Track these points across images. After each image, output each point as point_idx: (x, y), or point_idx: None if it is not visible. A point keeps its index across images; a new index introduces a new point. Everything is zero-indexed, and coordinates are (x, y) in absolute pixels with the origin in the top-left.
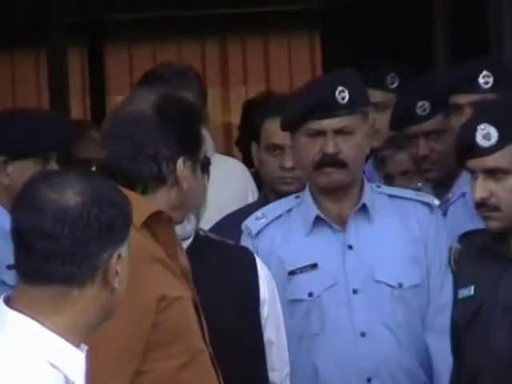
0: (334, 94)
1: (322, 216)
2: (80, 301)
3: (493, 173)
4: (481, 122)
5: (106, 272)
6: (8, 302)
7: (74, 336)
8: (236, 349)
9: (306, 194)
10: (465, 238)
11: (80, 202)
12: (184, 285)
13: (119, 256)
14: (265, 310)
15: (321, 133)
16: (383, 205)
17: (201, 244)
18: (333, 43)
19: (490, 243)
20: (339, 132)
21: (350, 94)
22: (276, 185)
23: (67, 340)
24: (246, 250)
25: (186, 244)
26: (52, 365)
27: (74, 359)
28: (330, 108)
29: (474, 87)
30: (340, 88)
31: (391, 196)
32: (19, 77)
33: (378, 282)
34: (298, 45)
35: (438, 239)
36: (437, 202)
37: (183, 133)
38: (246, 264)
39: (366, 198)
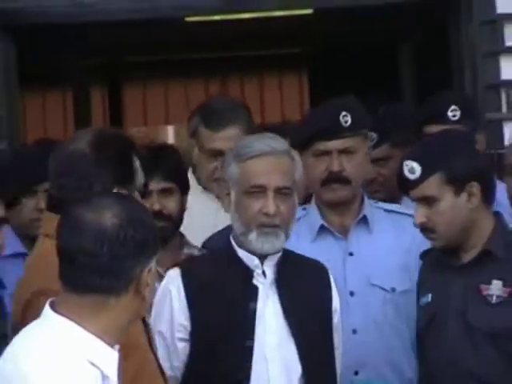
0: (338, 118)
1: (326, 225)
2: (116, 308)
3: (425, 200)
4: (406, 159)
5: (138, 284)
6: (53, 306)
7: (110, 337)
8: (328, 352)
9: (312, 206)
10: (425, 253)
11: (117, 223)
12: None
13: (149, 270)
14: (335, 319)
15: (326, 153)
16: (380, 218)
17: (284, 259)
18: (318, 82)
19: (441, 256)
20: (343, 152)
21: (352, 118)
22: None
23: (104, 341)
24: (319, 264)
25: (275, 259)
26: (91, 362)
27: (110, 357)
28: (335, 131)
29: (444, 119)
30: (343, 113)
31: (387, 210)
32: (49, 112)
33: (373, 285)
34: (288, 84)
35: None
36: None
37: (117, 166)
38: (321, 277)
39: (366, 211)
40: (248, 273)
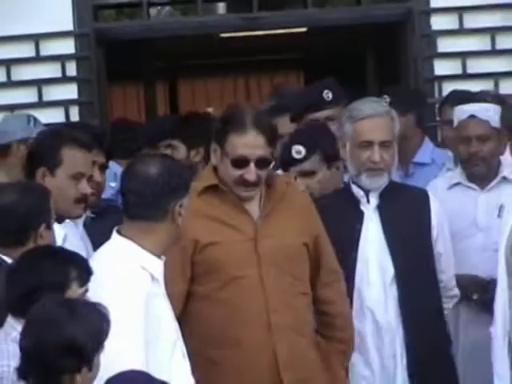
0: (322, 94)
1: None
2: (159, 231)
3: (306, 174)
4: (293, 144)
5: (173, 213)
6: (118, 231)
7: (157, 251)
8: (419, 258)
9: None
10: None
11: (157, 172)
12: (226, 233)
13: (181, 205)
14: (434, 233)
15: (316, 121)
16: None
17: (390, 188)
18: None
19: None
20: (328, 119)
21: (332, 93)
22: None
23: (152, 253)
24: (421, 190)
25: (379, 190)
26: (142, 267)
27: (157, 265)
28: (321, 104)
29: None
30: (326, 91)
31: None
32: (128, 101)
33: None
34: (291, 81)
35: None
36: None
37: None
38: (421, 201)
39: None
40: (357, 201)
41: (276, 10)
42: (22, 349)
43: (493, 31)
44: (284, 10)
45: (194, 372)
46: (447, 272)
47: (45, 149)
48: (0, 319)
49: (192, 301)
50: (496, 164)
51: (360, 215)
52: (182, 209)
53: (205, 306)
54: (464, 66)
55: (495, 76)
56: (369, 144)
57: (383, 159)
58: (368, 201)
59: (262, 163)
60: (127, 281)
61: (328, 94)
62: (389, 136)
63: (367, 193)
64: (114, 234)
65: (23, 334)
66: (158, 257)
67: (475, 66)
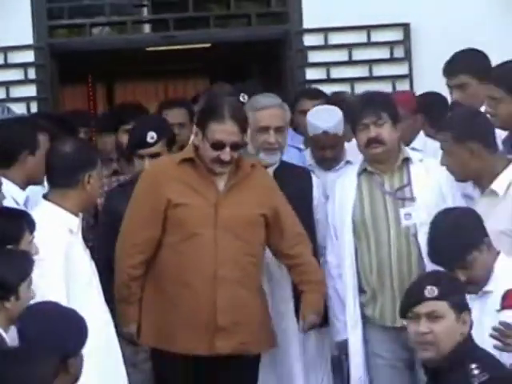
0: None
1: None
2: (73, 195)
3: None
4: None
5: (83, 182)
6: (44, 196)
7: (74, 210)
8: (305, 221)
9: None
10: None
11: (69, 151)
12: (194, 198)
13: (90, 175)
14: (315, 202)
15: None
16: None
17: (281, 168)
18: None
19: None
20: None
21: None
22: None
23: (71, 212)
24: (305, 168)
25: (274, 167)
26: (63, 224)
27: (74, 221)
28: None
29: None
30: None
31: None
32: (77, 100)
33: None
34: (199, 85)
35: None
36: None
37: None
38: (305, 177)
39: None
40: None
41: (187, 30)
42: None
43: (350, 46)
44: (193, 29)
45: (154, 303)
46: (322, 233)
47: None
48: None
49: (160, 249)
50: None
51: None
52: (91, 179)
53: (168, 254)
54: (328, 73)
55: (351, 81)
56: (266, 129)
57: (277, 141)
58: None
59: (235, 147)
60: (51, 235)
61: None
62: (282, 123)
63: (265, 168)
64: (41, 199)
65: None
66: (76, 215)
67: (336, 73)
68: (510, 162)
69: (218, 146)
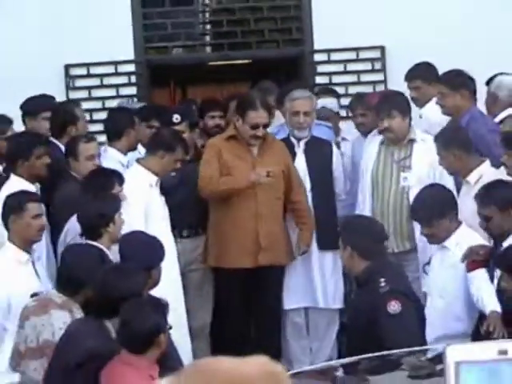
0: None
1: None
2: (155, 161)
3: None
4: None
5: (161, 156)
6: (136, 160)
7: (155, 170)
8: (324, 177)
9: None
10: None
11: (163, 137)
12: (238, 161)
13: (165, 154)
14: (334, 165)
15: (296, 114)
16: None
17: (310, 141)
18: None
19: None
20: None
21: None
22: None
23: (152, 172)
24: (328, 141)
25: (305, 140)
26: (146, 179)
27: (154, 178)
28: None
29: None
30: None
31: None
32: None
33: None
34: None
35: None
36: None
37: None
38: (327, 148)
39: None
40: (292, 146)
41: (236, 50)
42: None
43: (345, 62)
44: (240, 50)
45: (216, 233)
46: (339, 187)
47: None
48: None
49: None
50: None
51: (294, 155)
52: (166, 156)
53: (223, 202)
54: (330, 79)
55: (346, 85)
56: (297, 113)
57: (306, 122)
58: (299, 146)
59: (265, 126)
60: (136, 187)
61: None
62: (309, 108)
63: (298, 141)
64: (135, 162)
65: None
66: (155, 174)
67: (336, 79)
68: (482, 162)
69: (255, 126)
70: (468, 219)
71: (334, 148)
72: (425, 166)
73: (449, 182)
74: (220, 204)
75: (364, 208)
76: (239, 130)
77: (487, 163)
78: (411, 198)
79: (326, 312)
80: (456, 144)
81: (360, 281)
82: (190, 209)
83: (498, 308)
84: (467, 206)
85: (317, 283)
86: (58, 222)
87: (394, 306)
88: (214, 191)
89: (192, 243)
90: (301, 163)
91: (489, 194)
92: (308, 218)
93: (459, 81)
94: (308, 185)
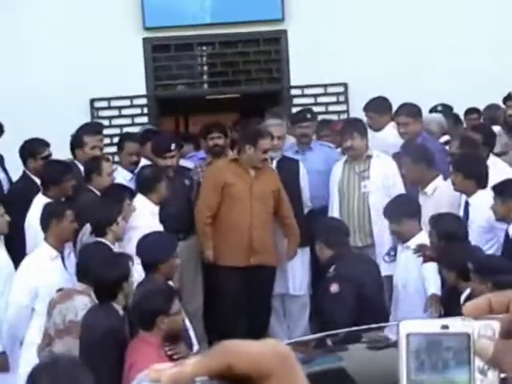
0: (306, 115)
1: (299, 150)
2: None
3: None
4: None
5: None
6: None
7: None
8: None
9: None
10: None
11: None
12: (238, 181)
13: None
14: (300, 177)
15: (302, 127)
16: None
17: (281, 159)
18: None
19: None
20: (307, 127)
21: (311, 115)
22: None
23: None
24: (296, 160)
25: (277, 159)
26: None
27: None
28: (305, 119)
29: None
30: (308, 114)
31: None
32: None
33: None
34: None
35: None
36: None
37: None
38: (295, 165)
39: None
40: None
41: (228, 87)
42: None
43: (315, 96)
44: (231, 86)
45: (216, 238)
46: (305, 196)
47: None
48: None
49: (220, 209)
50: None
51: None
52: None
53: (225, 212)
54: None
55: (317, 114)
56: (272, 137)
57: (278, 144)
58: (271, 164)
59: (269, 150)
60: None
61: (308, 115)
62: (280, 133)
63: (272, 160)
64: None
65: None
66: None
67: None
68: (437, 176)
69: (266, 151)
70: (425, 225)
71: (301, 165)
72: (380, 176)
73: (400, 190)
74: (221, 214)
75: (333, 211)
76: (250, 155)
77: (440, 177)
78: (370, 202)
79: (297, 298)
80: (423, 159)
81: (325, 268)
82: (180, 217)
83: (437, 291)
84: (425, 214)
85: (288, 274)
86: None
87: (333, 287)
88: (197, 223)
89: (186, 243)
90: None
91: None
92: (293, 230)
93: (416, 110)
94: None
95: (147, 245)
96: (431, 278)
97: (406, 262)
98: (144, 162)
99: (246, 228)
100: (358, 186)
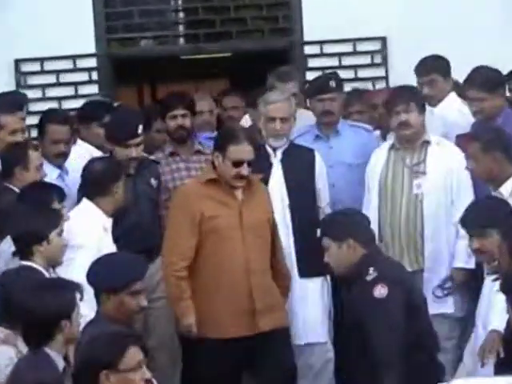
0: (329, 82)
1: (320, 135)
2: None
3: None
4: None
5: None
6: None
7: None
8: (305, 192)
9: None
10: None
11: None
12: (221, 209)
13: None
14: (316, 173)
15: (322, 100)
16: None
17: (290, 147)
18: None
19: None
20: (331, 100)
21: (335, 83)
22: None
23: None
24: (310, 149)
25: (282, 149)
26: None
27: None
28: (327, 89)
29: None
30: (331, 81)
31: (350, 125)
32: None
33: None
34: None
35: None
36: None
37: None
38: (309, 156)
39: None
40: (268, 156)
41: (213, 42)
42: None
43: (340, 55)
44: (218, 41)
45: (197, 297)
46: (324, 201)
47: None
48: None
49: (200, 252)
50: None
51: (270, 165)
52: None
53: (206, 256)
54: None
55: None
56: (273, 119)
57: (283, 129)
58: (275, 155)
59: (250, 163)
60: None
61: (332, 82)
62: (287, 113)
63: (275, 150)
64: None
65: None
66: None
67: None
68: None
69: (238, 163)
70: None
71: (316, 156)
72: (441, 172)
73: (468, 191)
74: (201, 261)
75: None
76: (219, 169)
77: None
78: (425, 208)
79: (319, 346)
80: (499, 146)
81: (352, 273)
82: (145, 230)
83: (501, 327)
84: None
85: (299, 316)
86: None
87: (379, 291)
88: (166, 278)
89: (152, 267)
90: (277, 176)
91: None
92: (284, 279)
93: (495, 81)
94: (286, 201)
95: (104, 268)
96: (499, 308)
97: (491, 295)
98: (87, 151)
99: (241, 276)
100: (408, 186)
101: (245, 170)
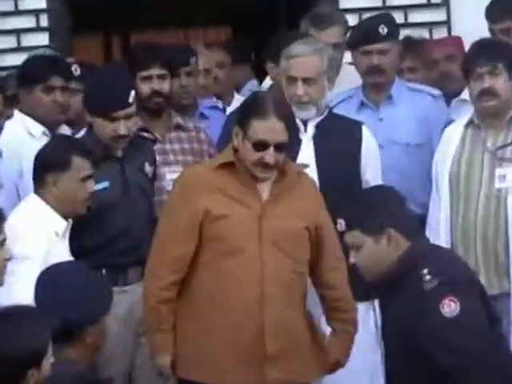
0: (378, 28)
1: (365, 101)
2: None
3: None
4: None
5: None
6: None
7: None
8: (344, 180)
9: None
10: None
11: None
12: (235, 208)
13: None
14: (362, 161)
15: (368, 52)
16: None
17: (327, 119)
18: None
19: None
20: (380, 53)
21: (387, 28)
22: None
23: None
24: (357, 122)
25: (315, 121)
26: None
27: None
28: (375, 37)
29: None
30: (381, 25)
31: (410, 88)
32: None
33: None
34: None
35: None
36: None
37: None
38: (354, 131)
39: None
40: (296, 130)
41: None
42: None
43: None
44: None
45: (190, 331)
46: None
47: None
48: None
49: (195, 268)
50: None
51: (298, 142)
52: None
53: (205, 273)
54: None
55: None
56: (294, 80)
57: (308, 94)
58: (305, 130)
59: (280, 148)
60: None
61: (384, 29)
62: (313, 72)
63: (305, 123)
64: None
65: None
66: (65, 218)
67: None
68: None
69: (261, 146)
70: None
71: (364, 130)
72: None
73: None
74: (196, 278)
75: (436, 224)
76: (239, 152)
77: None
78: (511, 209)
79: None
80: None
81: (394, 277)
82: (135, 235)
83: None
84: None
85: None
86: None
87: (449, 306)
88: (145, 298)
89: (131, 290)
90: (306, 158)
91: None
92: (351, 312)
93: None
94: None
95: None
96: None
97: None
98: (23, 126)
99: (251, 305)
100: (488, 177)
101: (270, 156)
